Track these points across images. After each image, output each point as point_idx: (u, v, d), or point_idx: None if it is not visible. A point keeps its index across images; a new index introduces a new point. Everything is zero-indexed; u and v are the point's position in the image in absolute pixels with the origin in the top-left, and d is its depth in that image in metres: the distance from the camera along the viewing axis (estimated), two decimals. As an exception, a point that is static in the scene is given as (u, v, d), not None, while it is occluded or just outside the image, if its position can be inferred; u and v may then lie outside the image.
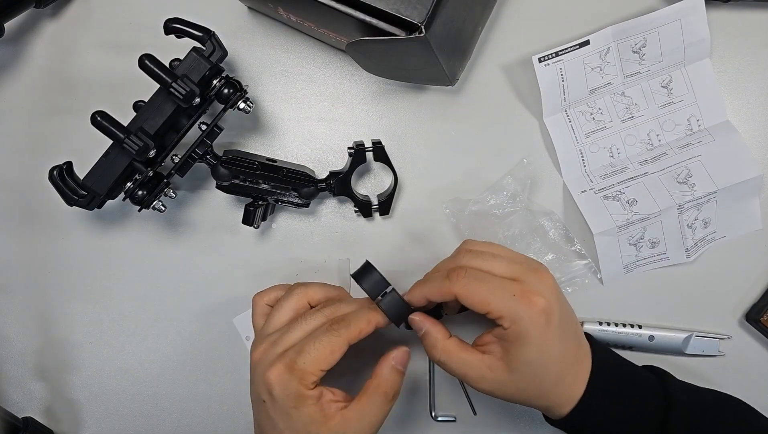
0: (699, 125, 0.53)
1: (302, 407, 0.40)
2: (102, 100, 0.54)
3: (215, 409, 0.56)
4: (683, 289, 0.54)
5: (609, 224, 0.52)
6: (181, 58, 0.45)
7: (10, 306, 0.56)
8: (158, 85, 0.45)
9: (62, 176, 0.46)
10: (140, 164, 0.46)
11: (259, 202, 0.51)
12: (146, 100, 0.46)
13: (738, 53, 0.53)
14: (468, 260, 0.42)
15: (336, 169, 0.53)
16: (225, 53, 0.47)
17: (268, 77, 0.55)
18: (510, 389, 0.41)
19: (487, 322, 0.41)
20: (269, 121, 0.55)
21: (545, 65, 0.51)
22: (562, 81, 0.51)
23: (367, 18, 0.40)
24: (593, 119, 0.53)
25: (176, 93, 0.43)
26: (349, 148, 0.53)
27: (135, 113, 0.46)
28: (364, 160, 0.52)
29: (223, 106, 0.47)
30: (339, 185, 0.52)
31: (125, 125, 0.45)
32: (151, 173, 0.47)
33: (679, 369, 0.51)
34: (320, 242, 0.55)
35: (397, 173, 0.53)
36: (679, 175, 0.52)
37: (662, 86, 0.52)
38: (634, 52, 0.51)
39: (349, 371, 0.48)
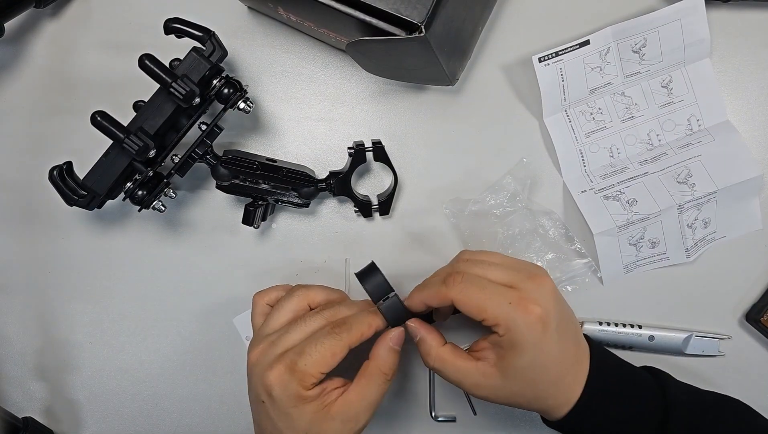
0: (699, 125, 0.53)
1: (302, 406, 0.40)
2: (102, 100, 0.54)
3: (215, 409, 0.56)
4: (683, 289, 0.54)
5: (609, 224, 0.52)
6: (181, 58, 0.45)
7: (10, 306, 0.56)
8: (158, 85, 0.45)
9: (62, 176, 0.46)
10: (140, 164, 0.46)
11: (259, 202, 0.51)
12: (146, 100, 0.46)
13: (738, 53, 0.53)
14: (466, 267, 0.42)
15: (336, 169, 0.53)
16: (225, 53, 0.47)
17: (268, 77, 0.55)
18: (505, 394, 0.41)
19: (483, 328, 0.41)
20: (269, 121, 0.55)
21: (545, 65, 0.51)
22: (562, 81, 0.51)
23: (367, 18, 0.40)
24: (593, 118, 0.53)
25: (176, 93, 0.43)
26: (349, 148, 0.53)
27: (135, 113, 0.46)
28: (364, 160, 0.52)
29: (223, 106, 0.47)
30: (339, 185, 0.52)
31: (125, 125, 0.45)
32: (151, 173, 0.47)
33: (679, 369, 0.51)
34: (320, 242, 0.55)
35: (397, 173, 0.53)
36: (679, 175, 0.52)
37: (662, 86, 0.52)
38: (634, 52, 0.51)
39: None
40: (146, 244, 0.56)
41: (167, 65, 0.44)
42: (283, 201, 0.52)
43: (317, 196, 0.53)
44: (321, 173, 0.54)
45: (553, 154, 0.54)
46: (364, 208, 0.53)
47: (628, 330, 0.53)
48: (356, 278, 0.44)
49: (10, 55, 0.55)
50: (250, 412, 0.45)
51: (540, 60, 0.51)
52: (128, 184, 0.47)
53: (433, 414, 0.55)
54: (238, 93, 0.47)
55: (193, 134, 0.48)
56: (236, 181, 0.50)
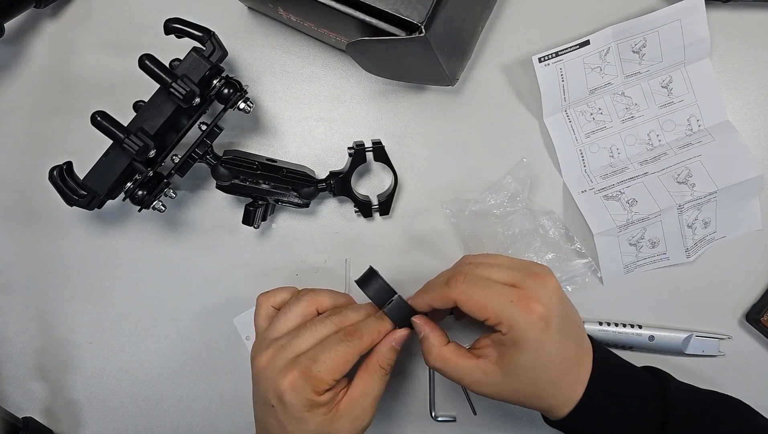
0: (699, 125, 0.53)
1: (313, 411, 0.40)
2: (102, 100, 0.54)
3: (215, 409, 0.56)
4: (683, 289, 0.54)
5: (609, 224, 0.52)
6: (181, 58, 0.45)
7: (10, 306, 0.56)
8: (158, 85, 0.45)
9: (62, 176, 0.46)
10: (140, 164, 0.46)
11: (259, 202, 0.51)
12: (146, 101, 0.46)
13: (738, 53, 0.53)
14: (468, 268, 0.43)
15: (336, 169, 0.53)
16: (225, 53, 0.47)
17: (268, 77, 0.55)
18: (507, 391, 0.41)
19: (485, 327, 0.41)
20: (269, 121, 0.55)
21: (545, 65, 0.51)
22: (562, 81, 0.51)
23: (367, 18, 0.40)
24: (593, 119, 0.53)
25: (176, 93, 0.43)
26: (349, 148, 0.53)
27: (135, 113, 0.46)
28: (364, 160, 0.52)
29: (223, 106, 0.47)
30: (339, 185, 0.52)
31: (125, 125, 0.45)
32: (151, 173, 0.47)
33: (679, 369, 0.51)
34: (320, 242, 0.55)
35: (397, 173, 0.53)
36: (679, 175, 0.52)
37: (662, 86, 0.52)
38: (634, 52, 0.51)
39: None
40: (146, 244, 0.56)
41: (167, 65, 0.44)
42: (283, 201, 0.52)
43: (317, 196, 0.53)
44: (321, 173, 0.54)
45: (553, 154, 0.54)
46: (364, 208, 0.53)
47: (628, 329, 0.53)
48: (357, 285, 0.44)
49: (10, 55, 0.55)
50: (250, 412, 0.45)
51: (540, 60, 0.51)
52: (128, 184, 0.47)
53: (433, 414, 0.55)
54: (238, 93, 0.47)
55: (193, 134, 0.48)
56: (236, 181, 0.50)
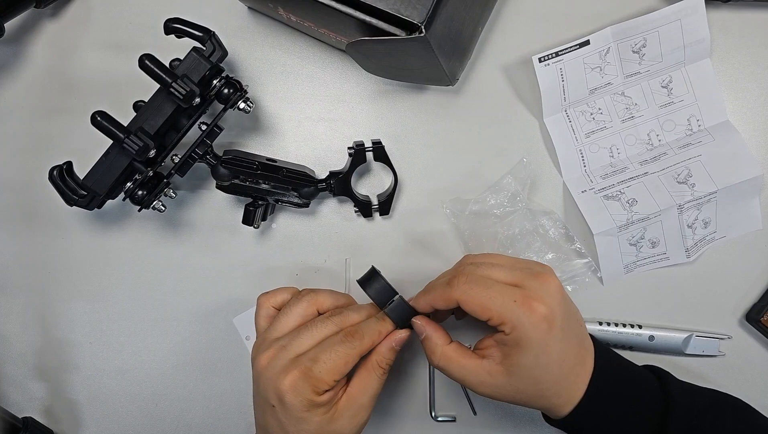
0: (699, 125, 0.53)
1: (313, 411, 0.40)
2: (102, 100, 0.54)
3: (215, 409, 0.56)
4: (683, 289, 0.54)
5: (609, 224, 0.52)
6: (181, 58, 0.45)
7: (10, 306, 0.56)
8: (158, 85, 0.45)
9: (62, 176, 0.46)
10: (140, 164, 0.46)
11: (259, 202, 0.51)
12: (146, 101, 0.46)
13: (738, 53, 0.53)
14: (470, 268, 0.43)
15: (336, 169, 0.53)
16: (225, 53, 0.47)
17: (268, 77, 0.55)
18: (509, 392, 0.41)
19: (486, 327, 0.41)
20: (269, 121, 0.55)
21: (545, 65, 0.51)
22: (562, 81, 0.51)
23: (367, 18, 0.40)
24: (593, 118, 0.53)
25: (176, 93, 0.43)
26: (349, 148, 0.53)
27: (135, 113, 0.46)
28: (364, 160, 0.52)
29: (223, 106, 0.47)
30: (339, 185, 0.52)
31: (125, 125, 0.45)
32: (151, 173, 0.47)
33: (679, 369, 0.51)
34: (320, 242, 0.55)
35: (397, 173, 0.53)
36: (679, 175, 0.52)
37: (662, 86, 0.52)
38: (634, 52, 0.51)
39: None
40: (146, 244, 0.55)
41: (167, 65, 0.44)
42: (283, 201, 0.52)
43: (317, 196, 0.53)
44: (321, 173, 0.54)
45: (553, 154, 0.54)
46: (364, 208, 0.53)
47: (628, 330, 0.53)
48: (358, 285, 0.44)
49: (10, 55, 0.55)
50: (250, 412, 0.45)
51: (540, 60, 0.51)
52: (128, 184, 0.47)
53: (433, 414, 0.55)
54: (238, 93, 0.47)
55: (193, 134, 0.48)
56: (236, 181, 0.50)
